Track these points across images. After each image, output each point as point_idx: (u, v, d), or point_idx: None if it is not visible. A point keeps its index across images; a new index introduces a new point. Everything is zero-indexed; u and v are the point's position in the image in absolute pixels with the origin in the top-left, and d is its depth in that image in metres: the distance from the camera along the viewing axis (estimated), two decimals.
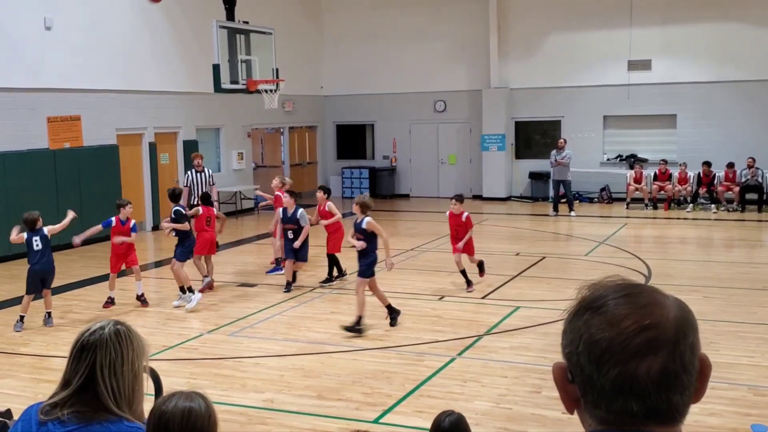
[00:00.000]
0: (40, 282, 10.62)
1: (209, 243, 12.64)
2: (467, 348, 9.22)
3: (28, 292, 10.58)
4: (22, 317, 10.45)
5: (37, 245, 10.50)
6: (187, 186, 15.56)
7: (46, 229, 10.62)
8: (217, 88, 15.69)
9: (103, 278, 13.51)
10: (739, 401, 7.19)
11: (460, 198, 12.31)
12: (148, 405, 2.68)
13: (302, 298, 11.84)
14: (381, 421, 7.01)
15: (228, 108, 21.13)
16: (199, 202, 12.98)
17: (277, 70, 17.03)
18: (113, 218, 11.61)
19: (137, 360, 2.64)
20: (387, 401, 7.47)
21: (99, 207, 17.21)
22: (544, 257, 14.81)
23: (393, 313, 10.19)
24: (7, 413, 6.17)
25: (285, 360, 8.90)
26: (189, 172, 15.91)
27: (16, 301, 12.00)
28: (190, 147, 20.24)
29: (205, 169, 15.90)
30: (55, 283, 13.03)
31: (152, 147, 19.11)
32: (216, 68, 15.41)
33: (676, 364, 1.38)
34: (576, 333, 1.45)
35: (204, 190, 14.88)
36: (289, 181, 14.44)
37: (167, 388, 3.76)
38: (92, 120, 17.18)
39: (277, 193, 13.78)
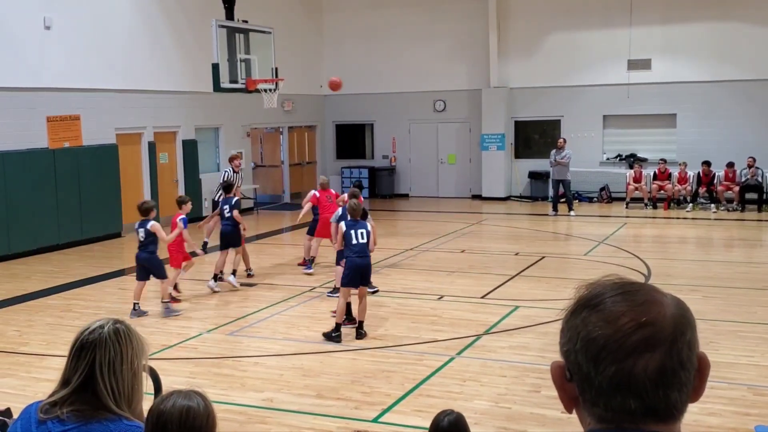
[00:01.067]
0: (143, 270, 11.01)
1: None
2: (466, 347, 9.22)
3: (137, 279, 11.08)
4: (135, 304, 10.86)
5: (141, 236, 10.95)
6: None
7: (150, 224, 10.95)
8: (217, 87, 15.67)
9: (101, 278, 13.52)
10: (738, 401, 7.19)
11: None
12: (147, 404, 2.68)
13: (301, 298, 11.85)
14: (380, 420, 7.01)
15: (227, 107, 21.12)
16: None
17: (276, 69, 17.01)
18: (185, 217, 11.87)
19: (136, 359, 2.64)
20: (386, 400, 7.47)
21: (98, 206, 17.24)
22: (543, 257, 14.81)
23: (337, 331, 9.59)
24: (7, 412, 6.17)
25: (284, 359, 8.90)
26: (227, 170, 16.15)
27: (17, 300, 12.01)
28: (190, 146, 20.25)
29: (240, 171, 16.45)
30: (55, 282, 13.09)
31: (151, 146, 19.10)
32: (215, 67, 15.39)
33: (673, 361, 1.38)
34: (573, 331, 1.45)
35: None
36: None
37: (167, 387, 3.76)
38: (92, 119, 17.17)
39: (315, 192, 14.11)
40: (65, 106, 16.62)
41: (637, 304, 1.41)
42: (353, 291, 9.85)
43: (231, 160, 16.51)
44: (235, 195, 13.15)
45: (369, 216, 10.79)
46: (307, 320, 10.60)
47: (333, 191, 14.23)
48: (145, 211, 10.99)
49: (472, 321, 10.35)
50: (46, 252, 15.92)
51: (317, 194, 13.86)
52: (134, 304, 10.90)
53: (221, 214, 12.87)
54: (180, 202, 12.08)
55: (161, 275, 11.03)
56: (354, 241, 9.61)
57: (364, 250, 9.65)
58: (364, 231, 9.69)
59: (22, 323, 10.66)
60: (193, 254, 12.21)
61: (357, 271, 9.59)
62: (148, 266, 10.96)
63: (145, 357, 2.71)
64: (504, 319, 10.38)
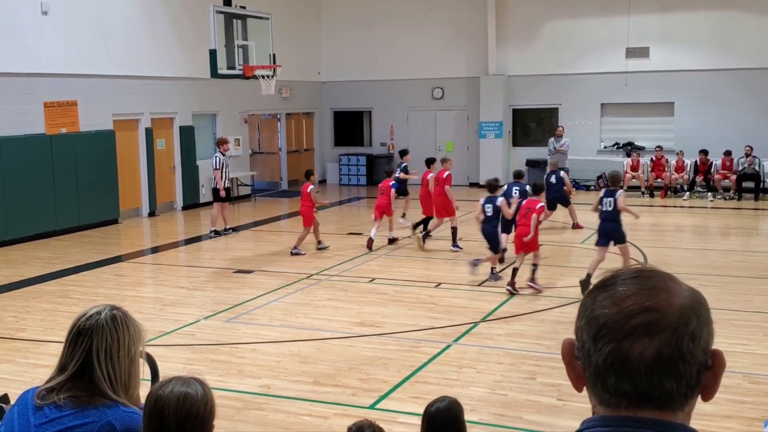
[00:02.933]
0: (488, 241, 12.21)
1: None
2: (463, 335, 9.24)
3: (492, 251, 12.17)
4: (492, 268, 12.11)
5: (488, 211, 12.03)
6: (218, 169, 16.11)
7: (499, 200, 12.08)
8: (214, 73, 15.64)
9: (98, 264, 13.52)
10: (733, 389, 7.21)
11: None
12: (144, 390, 2.68)
13: (299, 285, 11.86)
14: (377, 407, 7.03)
15: (225, 94, 21.06)
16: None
17: (274, 55, 16.97)
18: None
19: (133, 345, 2.64)
20: (383, 387, 7.49)
21: (95, 193, 17.22)
22: (540, 245, 14.77)
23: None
24: (4, 398, 6.18)
25: (281, 346, 8.91)
26: (217, 156, 16.35)
27: (14, 285, 12.00)
28: (187, 133, 20.21)
29: (226, 153, 16.66)
30: (52, 268, 13.08)
31: (149, 132, 19.06)
32: (213, 53, 15.36)
33: (672, 350, 1.37)
34: (583, 309, 1.46)
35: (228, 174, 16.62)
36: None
37: (164, 374, 3.77)
38: (89, 105, 17.12)
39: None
40: (62, 91, 16.57)
41: (645, 289, 1.41)
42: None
43: (220, 144, 16.59)
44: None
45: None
46: (304, 307, 10.62)
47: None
48: (493, 188, 12.20)
49: (469, 308, 10.37)
50: (44, 238, 15.91)
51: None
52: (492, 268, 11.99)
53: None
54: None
55: (495, 249, 12.04)
56: (602, 208, 11.28)
57: (607, 217, 11.28)
58: (611, 200, 11.23)
59: (20, 309, 10.66)
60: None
61: (602, 234, 11.29)
62: (490, 239, 11.99)
63: (142, 343, 2.72)
64: (500, 307, 10.40)
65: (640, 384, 1.37)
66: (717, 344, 1.45)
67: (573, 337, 1.49)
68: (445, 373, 7.87)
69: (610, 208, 11.21)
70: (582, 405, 1.52)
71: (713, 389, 1.43)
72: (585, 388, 1.48)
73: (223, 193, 16.08)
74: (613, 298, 1.41)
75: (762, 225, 18.35)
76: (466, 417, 4.33)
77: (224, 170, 16.16)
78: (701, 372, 1.41)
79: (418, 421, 4.61)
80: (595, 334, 1.40)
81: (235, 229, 16.60)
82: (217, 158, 16.24)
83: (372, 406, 7.03)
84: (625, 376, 1.38)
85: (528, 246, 11.29)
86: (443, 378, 7.72)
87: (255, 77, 16.40)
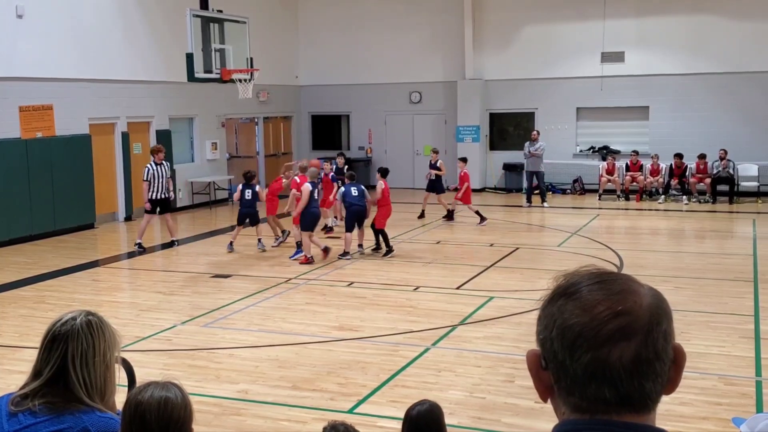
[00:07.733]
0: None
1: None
2: (441, 338, 9.25)
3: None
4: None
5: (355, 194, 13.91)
6: (147, 180, 14.93)
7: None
8: (191, 77, 15.56)
9: (74, 269, 13.42)
10: (709, 390, 7.28)
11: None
12: (120, 396, 2.67)
13: (276, 289, 11.82)
14: (356, 411, 7.02)
15: (202, 97, 20.98)
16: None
17: (251, 59, 16.93)
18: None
19: (109, 351, 2.63)
20: (362, 391, 7.48)
21: (71, 197, 17.08)
22: (517, 248, 14.87)
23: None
24: None
25: (259, 351, 8.88)
26: (149, 165, 15.08)
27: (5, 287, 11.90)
28: (164, 137, 20.09)
29: (164, 162, 15.27)
30: (27, 273, 12.97)
31: (125, 137, 18.94)
32: (189, 57, 15.28)
33: (648, 351, 1.38)
34: (550, 319, 1.45)
35: (165, 183, 15.10)
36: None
37: (141, 379, 3.75)
38: (65, 109, 16.99)
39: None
40: (38, 95, 16.43)
41: (613, 293, 1.41)
42: None
43: (153, 153, 15.36)
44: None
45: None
46: (282, 311, 10.59)
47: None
48: (353, 177, 14.51)
49: (447, 312, 10.39)
50: (19, 243, 15.76)
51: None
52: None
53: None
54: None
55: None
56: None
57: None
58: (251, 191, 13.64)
59: None
60: None
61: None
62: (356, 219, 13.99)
63: (118, 349, 2.70)
64: (479, 310, 10.43)
65: (621, 388, 1.38)
66: (693, 347, 1.48)
67: (536, 347, 1.49)
68: (423, 377, 7.87)
69: (249, 198, 14.51)
70: None
71: (676, 382, 1.45)
72: (550, 398, 1.48)
73: (148, 206, 14.90)
74: (584, 306, 1.41)
75: (736, 228, 18.54)
76: (445, 420, 4.34)
77: (156, 181, 14.88)
78: (670, 368, 1.43)
79: (397, 425, 4.61)
80: (571, 344, 1.40)
81: (177, 242, 15.64)
82: (147, 169, 14.97)
83: (351, 411, 7.02)
84: (606, 383, 1.38)
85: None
86: (422, 381, 7.72)
87: (232, 81, 16.34)
